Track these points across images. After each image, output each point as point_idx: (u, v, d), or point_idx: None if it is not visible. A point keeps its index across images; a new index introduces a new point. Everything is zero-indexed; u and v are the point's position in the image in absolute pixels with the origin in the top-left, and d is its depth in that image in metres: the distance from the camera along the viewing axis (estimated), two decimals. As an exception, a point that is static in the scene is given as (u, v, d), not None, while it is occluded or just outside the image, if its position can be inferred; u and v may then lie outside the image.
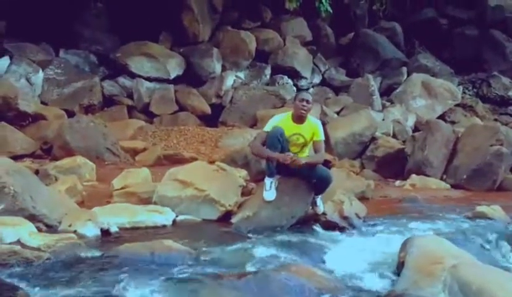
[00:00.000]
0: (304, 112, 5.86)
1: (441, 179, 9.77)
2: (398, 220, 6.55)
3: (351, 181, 8.06)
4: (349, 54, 17.51)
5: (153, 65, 13.82)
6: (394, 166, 10.41)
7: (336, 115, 13.21)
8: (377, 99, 14.53)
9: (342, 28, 17.71)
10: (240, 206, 6.18)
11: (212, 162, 6.79)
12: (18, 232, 4.74)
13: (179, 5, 14.35)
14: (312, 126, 5.97)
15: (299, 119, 5.91)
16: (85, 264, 4.40)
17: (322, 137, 6.00)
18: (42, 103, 12.10)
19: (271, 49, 15.55)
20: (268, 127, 5.89)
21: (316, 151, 5.98)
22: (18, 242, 4.63)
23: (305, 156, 6.04)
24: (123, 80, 13.66)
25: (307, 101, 5.86)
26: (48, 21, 12.62)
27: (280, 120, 5.96)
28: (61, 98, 12.51)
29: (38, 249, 4.52)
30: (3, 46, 12.33)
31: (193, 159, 9.27)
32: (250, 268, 4.56)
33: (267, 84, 15.02)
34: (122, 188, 6.61)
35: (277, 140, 5.71)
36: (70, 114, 11.54)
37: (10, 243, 4.55)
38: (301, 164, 5.65)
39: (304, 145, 6.00)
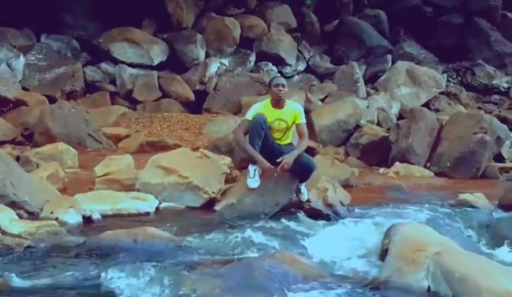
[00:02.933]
0: (282, 96, 5.88)
1: (425, 166, 9.80)
2: (382, 208, 6.56)
3: (335, 168, 8.05)
4: (334, 41, 17.48)
5: (136, 51, 13.71)
6: (379, 153, 10.43)
7: (320, 102, 13.20)
8: (362, 86, 14.51)
9: (327, 15, 17.68)
10: (223, 193, 6.17)
11: (196, 149, 6.75)
12: (-2, 219, 4.68)
13: (162, -9, 14.24)
14: (292, 110, 6.00)
15: (278, 103, 5.92)
16: (67, 251, 4.36)
17: (304, 120, 6.04)
18: (24, 88, 11.96)
19: (256, 36, 15.47)
20: (249, 115, 5.88)
21: (299, 134, 6.01)
22: (-1, 229, 4.58)
23: (288, 142, 6.04)
24: (106, 66, 13.55)
25: (282, 85, 5.88)
26: (30, 6, 12.46)
27: (260, 107, 5.96)
28: (43, 83, 12.38)
29: (19, 236, 4.48)
30: (-17, 31, 12.17)
31: (177, 146, 9.21)
32: (233, 255, 4.55)
33: (251, 71, 14.97)
34: (104, 175, 6.55)
35: (260, 127, 5.71)
36: (52, 100, 11.41)
37: (-10, 230, 4.50)
38: (291, 163, 5.66)
39: (287, 129, 6.01)
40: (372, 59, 16.72)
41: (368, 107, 13.39)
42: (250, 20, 15.59)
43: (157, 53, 13.96)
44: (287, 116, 5.95)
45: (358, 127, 11.28)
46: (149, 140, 9.97)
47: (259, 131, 5.71)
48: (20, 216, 5.01)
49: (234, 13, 15.67)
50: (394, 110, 14.07)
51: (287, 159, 5.68)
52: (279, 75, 13.00)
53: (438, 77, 15.65)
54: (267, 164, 5.72)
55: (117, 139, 10.26)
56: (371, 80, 15.94)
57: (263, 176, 5.91)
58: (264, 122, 5.73)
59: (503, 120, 12.61)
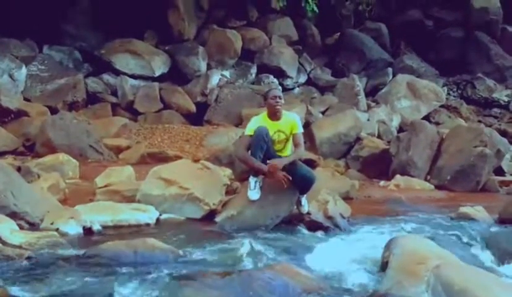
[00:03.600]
0: (279, 108, 5.88)
1: (425, 179, 9.79)
2: (382, 220, 6.56)
3: (336, 181, 8.06)
4: (335, 54, 17.54)
5: (137, 62, 13.76)
6: (379, 166, 10.43)
7: (321, 115, 13.22)
8: (362, 99, 14.55)
9: (328, 28, 17.74)
10: (224, 205, 6.16)
11: (196, 161, 6.74)
12: (-1, 230, 4.68)
13: (164, 3, 14.32)
14: (289, 120, 5.99)
15: (275, 115, 5.93)
16: (67, 263, 4.36)
17: (301, 130, 6.03)
18: (25, 99, 11.99)
19: (257, 48, 15.53)
20: (249, 130, 5.87)
21: (295, 143, 6.00)
22: (-1, 239, 4.58)
23: (288, 154, 6.05)
24: (108, 77, 13.59)
25: (279, 97, 5.89)
26: (32, 17, 12.52)
27: (259, 120, 5.96)
28: (44, 94, 12.42)
29: (19, 247, 4.47)
30: (-14, 41, 12.22)
31: (178, 157, 9.21)
32: (233, 267, 4.55)
33: (252, 83, 15.02)
34: (105, 186, 6.56)
35: (263, 140, 5.71)
36: (54, 110, 11.46)
37: (-10, 241, 4.50)
38: (279, 167, 5.64)
39: (286, 140, 6.01)
40: (373, 72, 16.78)
41: (368, 119, 13.41)
42: (252, 33, 15.67)
43: (159, 65, 14.00)
44: (284, 127, 5.95)
45: (358, 139, 11.29)
46: (150, 151, 9.98)
47: (261, 144, 5.71)
48: (21, 227, 5.01)
49: (236, 26, 15.74)
50: (395, 123, 14.10)
51: (274, 162, 5.66)
52: (275, 86, 13.04)
53: (438, 90, 15.70)
54: (265, 167, 5.69)
55: (118, 150, 10.28)
56: (371, 92, 16.00)
57: (263, 188, 5.92)
58: (266, 135, 5.73)
59: (503, 133, 12.62)
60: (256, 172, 5.84)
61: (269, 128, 5.86)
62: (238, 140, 6.65)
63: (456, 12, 18.87)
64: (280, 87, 14.39)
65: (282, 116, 5.97)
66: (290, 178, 5.67)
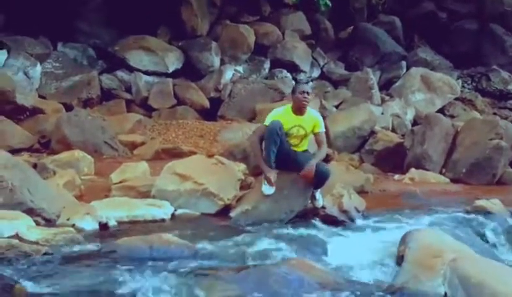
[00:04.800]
0: (305, 103, 5.91)
1: (440, 173, 9.74)
2: (397, 214, 6.52)
3: (350, 175, 8.05)
4: (348, 47, 17.44)
5: (151, 58, 13.78)
6: (393, 160, 10.38)
7: (335, 109, 13.19)
8: (376, 93, 14.49)
9: (341, 22, 17.65)
10: (239, 200, 6.17)
11: (211, 156, 6.76)
12: (16, 226, 4.72)
13: (177, -1, 14.34)
14: (313, 118, 6.03)
15: (299, 110, 5.96)
16: (83, 258, 4.38)
17: (323, 129, 6.11)
18: (40, 96, 12.05)
19: (270, 43, 15.50)
20: (267, 121, 5.91)
21: (318, 142, 6.06)
22: (16, 236, 4.61)
23: (305, 148, 6.11)
24: (122, 74, 13.62)
25: (307, 93, 5.91)
26: (46, 15, 12.58)
27: (280, 112, 6.01)
28: (59, 91, 12.46)
29: (36, 243, 4.50)
30: (0, 39, 12.27)
31: (192, 153, 9.24)
32: (249, 262, 4.56)
33: (266, 78, 14.99)
34: (120, 182, 6.59)
35: (276, 134, 5.74)
36: (68, 107, 11.50)
37: (8, 237, 4.54)
38: (313, 170, 5.70)
39: (304, 136, 6.04)
40: (387, 65, 16.68)
41: (382, 113, 13.37)
42: (265, 27, 15.63)
43: (173, 61, 14.02)
44: (306, 124, 5.98)
45: (373, 133, 11.25)
46: (165, 147, 10.00)
47: (275, 138, 5.74)
48: (37, 223, 5.05)
49: (249, 21, 15.70)
50: (409, 116, 14.03)
51: (309, 169, 5.71)
52: (304, 81, 13.02)
53: (452, 83, 15.60)
54: (270, 174, 5.78)
55: (133, 146, 10.31)
56: (385, 86, 15.92)
57: (277, 182, 5.93)
58: (280, 129, 5.76)
59: (519, 126, 12.50)
60: (255, 167, 5.88)
61: (290, 121, 5.91)
62: (256, 128, 6.72)
63: (469, 4, 18.70)
64: (311, 83, 14.43)
65: (306, 112, 6.00)
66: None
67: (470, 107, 15.80)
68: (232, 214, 5.94)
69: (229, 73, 14.26)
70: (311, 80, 15.76)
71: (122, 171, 6.89)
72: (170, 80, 13.75)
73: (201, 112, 13.36)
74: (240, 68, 14.82)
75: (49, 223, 5.21)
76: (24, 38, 12.60)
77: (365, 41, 17.14)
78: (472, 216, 6.55)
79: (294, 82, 14.70)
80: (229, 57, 14.64)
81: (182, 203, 6.04)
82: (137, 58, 13.66)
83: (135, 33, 13.81)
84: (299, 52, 15.51)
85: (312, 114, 6.10)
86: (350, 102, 13.46)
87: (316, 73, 16.12)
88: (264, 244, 4.95)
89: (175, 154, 9.36)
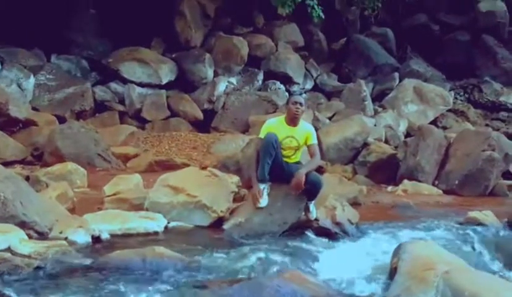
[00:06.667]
0: (298, 114, 5.95)
1: (433, 184, 9.77)
2: (390, 226, 6.54)
3: (343, 187, 8.05)
4: (341, 59, 17.53)
5: (144, 70, 13.80)
6: (386, 171, 10.41)
7: (328, 120, 13.21)
8: (369, 104, 14.55)
9: (334, 33, 17.74)
10: (232, 212, 6.16)
11: (204, 168, 6.75)
12: (8, 240, 4.68)
13: (171, 11, 14.37)
14: (305, 130, 6.07)
15: (292, 121, 6.00)
16: (76, 271, 4.37)
17: (316, 141, 6.14)
18: (34, 108, 12.03)
19: (264, 55, 15.57)
20: (262, 133, 5.97)
21: (311, 154, 6.06)
22: (9, 249, 4.57)
23: (297, 160, 6.12)
24: (115, 86, 13.64)
25: (300, 104, 5.95)
26: (40, 27, 12.60)
27: (274, 123, 6.05)
28: (52, 103, 12.47)
29: (29, 256, 4.47)
30: (-6, 51, 12.29)
31: (185, 165, 9.23)
32: (242, 275, 4.55)
33: (259, 89, 15.03)
34: (113, 194, 6.56)
35: (272, 147, 5.79)
36: (62, 119, 11.50)
37: (0, 250, 4.51)
38: (302, 179, 5.70)
39: (297, 148, 6.06)
40: (379, 77, 16.76)
41: (375, 125, 13.41)
42: (258, 39, 15.70)
43: (166, 72, 14.04)
44: (299, 135, 6.01)
45: (365, 145, 11.25)
46: (158, 159, 9.99)
47: (270, 150, 5.78)
48: (30, 236, 5.01)
49: (242, 32, 15.77)
50: (402, 128, 14.08)
51: (298, 178, 5.71)
52: (298, 93, 13.06)
53: (445, 95, 15.68)
54: (256, 191, 5.85)
55: (126, 158, 10.29)
56: (378, 97, 15.98)
57: (271, 194, 5.93)
58: (275, 141, 5.81)
59: (511, 137, 12.56)
60: (248, 180, 5.90)
61: (283, 132, 5.95)
62: (252, 142, 6.82)
63: (462, 16, 18.84)
64: (304, 95, 14.45)
65: (299, 123, 6.04)
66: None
67: (462, 119, 15.88)
68: (226, 226, 5.93)
69: (222, 85, 14.30)
70: (305, 92, 15.80)
71: (115, 183, 6.86)
72: (163, 91, 13.78)
73: (194, 124, 13.38)
74: (233, 80, 14.85)
75: (42, 236, 5.17)
76: (18, 50, 12.62)
77: (358, 52, 17.24)
78: (465, 227, 6.57)
79: (287, 94, 14.76)
80: (223, 68, 14.68)
81: (175, 216, 6.02)
82: (131, 70, 13.68)
83: (128, 44, 13.84)
84: (292, 64, 15.57)
85: (305, 126, 6.15)
86: (343, 114, 13.49)
87: (309, 84, 16.19)
88: (258, 256, 4.94)
89: (168, 166, 9.35)
